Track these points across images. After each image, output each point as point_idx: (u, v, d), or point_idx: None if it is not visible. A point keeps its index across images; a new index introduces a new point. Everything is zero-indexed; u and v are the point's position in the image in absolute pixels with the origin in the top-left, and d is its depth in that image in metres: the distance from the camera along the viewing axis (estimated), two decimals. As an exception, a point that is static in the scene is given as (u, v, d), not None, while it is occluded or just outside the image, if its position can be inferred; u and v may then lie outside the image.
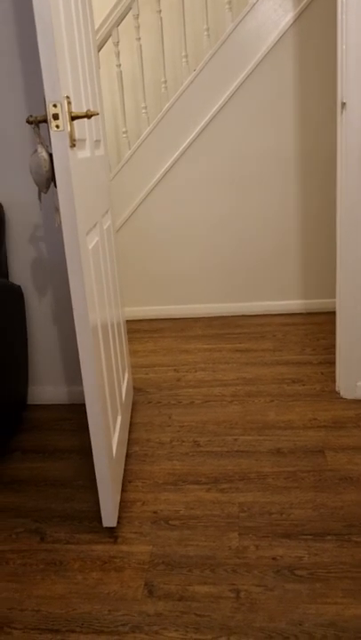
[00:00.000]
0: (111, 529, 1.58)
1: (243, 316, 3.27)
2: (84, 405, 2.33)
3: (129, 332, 3.15)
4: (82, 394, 2.37)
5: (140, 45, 3.00)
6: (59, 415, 2.29)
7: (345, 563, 1.39)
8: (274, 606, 1.29)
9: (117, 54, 3.02)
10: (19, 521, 1.67)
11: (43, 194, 2.07)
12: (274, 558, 1.43)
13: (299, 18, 2.79)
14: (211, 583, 1.38)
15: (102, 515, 1.56)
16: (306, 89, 2.90)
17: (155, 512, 1.65)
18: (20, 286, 2.19)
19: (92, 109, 1.54)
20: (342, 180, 2.04)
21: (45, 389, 2.37)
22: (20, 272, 2.22)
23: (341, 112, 1.98)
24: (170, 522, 1.60)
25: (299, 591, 1.33)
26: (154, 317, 3.35)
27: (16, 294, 2.16)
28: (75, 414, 2.29)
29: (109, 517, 1.56)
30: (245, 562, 1.43)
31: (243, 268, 3.21)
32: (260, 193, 3.08)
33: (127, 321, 3.33)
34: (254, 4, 2.80)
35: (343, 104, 1.95)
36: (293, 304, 3.23)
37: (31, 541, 1.58)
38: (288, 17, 2.80)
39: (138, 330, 3.19)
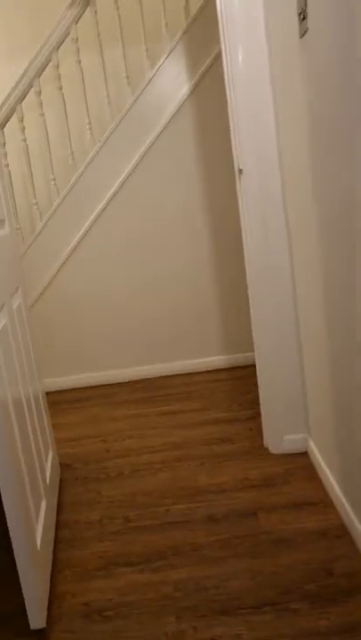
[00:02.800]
0: (40, 630, 1.47)
1: (167, 376, 3.26)
2: None
3: (52, 403, 3.05)
4: None
5: (45, 120, 3.05)
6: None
7: (285, 635, 1.35)
8: None
9: (22, 129, 3.04)
10: None
11: None
12: (212, 640, 1.37)
13: (195, 90, 2.94)
14: None
15: (29, 616, 1.45)
16: (208, 155, 3.02)
17: (86, 604, 1.55)
18: None
19: (-11, 192, 1.52)
20: (247, 242, 2.11)
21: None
22: None
23: (239, 178, 2.07)
24: (103, 613, 1.50)
25: (240, 673, 1.27)
26: (78, 386, 3.28)
27: None
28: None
29: (36, 618, 1.45)
30: (183, 648, 1.36)
31: (163, 328, 3.23)
32: (173, 255, 3.14)
33: (50, 392, 3.23)
34: (151, 79, 2.93)
35: (240, 170, 2.04)
36: (217, 360, 3.26)
37: None
38: (185, 89, 2.94)
39: (62, 401, 3.09)
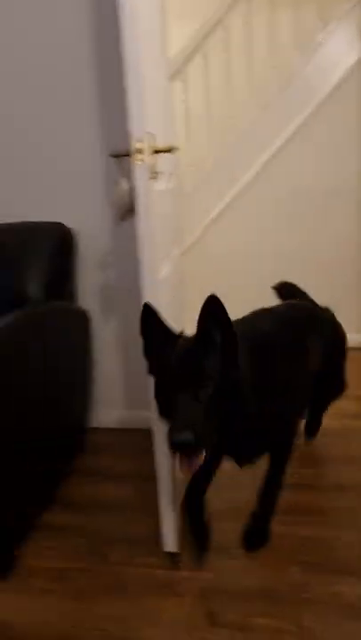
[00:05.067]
0: (172, 554, 1.59)
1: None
2: (143, 430, 2.35)
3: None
4: (143, 419, 2.39)
5: (208, 83, 3.11)
6: (119, 439, 2.33)
7: None
8: (338, 645, 1.27)
9: (185, 90, 3.13)
10: (80, 541, 1.70)
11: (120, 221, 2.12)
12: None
13: (365, 56, 2.84)
14: (272, 616, 1.36)
15: (164, 540, 1.57)
16: (371, 124, 2.92)
17: (215, 540, 1.64)
18: (86, 311, 2.26)
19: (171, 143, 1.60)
20: None
21: (108, 413, 2.42)
22: (88, 297, 2.29)
23: None
24: (230, 551, 1.59)
25: (364, 631, 1.30)
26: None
27: (83, 319, 2.24)
28: (134, 439, 2.31)
29: (171, 542, 1.57)
30: (307, 597, 1.41)
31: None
32: (321, 228, 3.09)
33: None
34: (321, 43, 2.86)
35: None
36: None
37: (93, 562, 1.60)
38: (355, 56, 2.84)
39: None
